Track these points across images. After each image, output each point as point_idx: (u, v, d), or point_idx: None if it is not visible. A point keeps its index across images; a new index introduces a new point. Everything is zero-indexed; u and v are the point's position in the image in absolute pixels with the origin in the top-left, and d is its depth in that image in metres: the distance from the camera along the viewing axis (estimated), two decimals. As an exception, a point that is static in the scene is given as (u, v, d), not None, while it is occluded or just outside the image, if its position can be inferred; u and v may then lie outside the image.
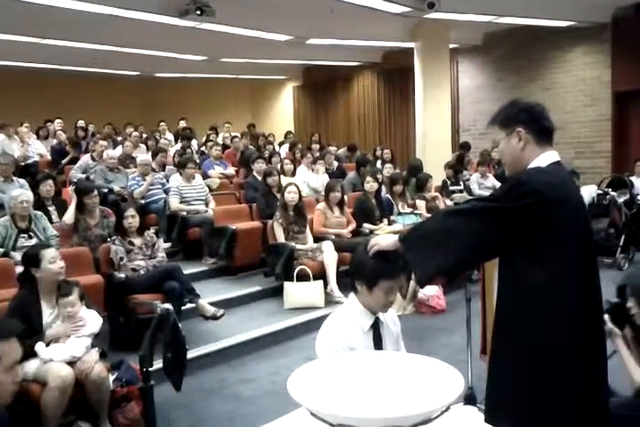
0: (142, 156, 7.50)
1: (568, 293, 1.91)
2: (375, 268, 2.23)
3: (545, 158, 2.02)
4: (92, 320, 3.55)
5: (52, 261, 3.57)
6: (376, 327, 2.42)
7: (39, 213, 5.28)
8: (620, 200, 7.48)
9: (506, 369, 1.97)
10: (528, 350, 1.93)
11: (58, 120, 10.98)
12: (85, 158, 8.04)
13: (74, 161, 8.34)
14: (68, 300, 3.49)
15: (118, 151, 8.59)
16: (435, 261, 2.00)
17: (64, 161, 8.71)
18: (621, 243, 7.26)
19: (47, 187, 5.88)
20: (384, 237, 2.24)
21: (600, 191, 7.70)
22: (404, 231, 2.20)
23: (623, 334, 2.47)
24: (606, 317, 2.43)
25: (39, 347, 3.34)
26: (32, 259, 3.60)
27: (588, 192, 7.63)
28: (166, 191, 7.16)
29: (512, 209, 1.90)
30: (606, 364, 2.02)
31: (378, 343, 2.39)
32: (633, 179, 8.10)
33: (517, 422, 1.75)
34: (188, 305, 4.93)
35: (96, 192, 5.63)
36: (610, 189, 7.70)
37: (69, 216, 5.49)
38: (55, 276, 3.57)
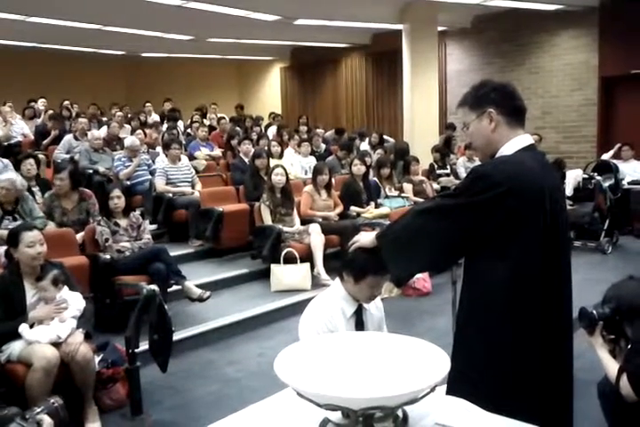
0: (130, 139, 7.40)
1: (527, 289, 1.88)
2: (365, 262, 2.24)
3: (515, 143, 1.96)
4: (75, 302, 3.52)
5: (31, 245, 3.49)
6: (359, 314, 2.44)
7: (27, 194, 5.18)
8: (605, 185, 7.52)
9: (466, 357, 1.96)
10: (489, 346, 1.92)
11: (42, 100, 10.82)
12: (68, 137, 7.94)
13: (58, 141, 8.23)
14: (41, 284, 3.46)
15: (103, 132, 8.50)
16: (406, 262, 2.00)
17: (45, 141, 8.59)
18: (605, 227, 7.32)
19: (27, 166, 5.79)
20: (365, 234, 2.21)
21: (585, 176, 7.74)
22: (380, 229, 2.18)
23: (612, 343, 2.49)
24: (601, 324, 2.43)
25: (23, 328, 3.32)
26: (12, 239, 3.56)
27: (574, 176, 7.68)
28: (152, 172, 7.11)
29: (473, 204, 1.86)
30: (571, 352, 2.03)
31: (360, 329, 2.41)
32: (618, 163, 8.15)
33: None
34: (175, 287, 4.92)
35: (65, 173, 5.26)
36: (595, 174, 7.74)
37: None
38: (32, 260, 3.50)
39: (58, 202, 5.29)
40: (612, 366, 2.41)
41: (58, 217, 5.23)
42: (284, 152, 8.41)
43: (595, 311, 2.43)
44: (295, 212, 6.19)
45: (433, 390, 1.34)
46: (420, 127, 9.65)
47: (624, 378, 2.33)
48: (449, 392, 1.74)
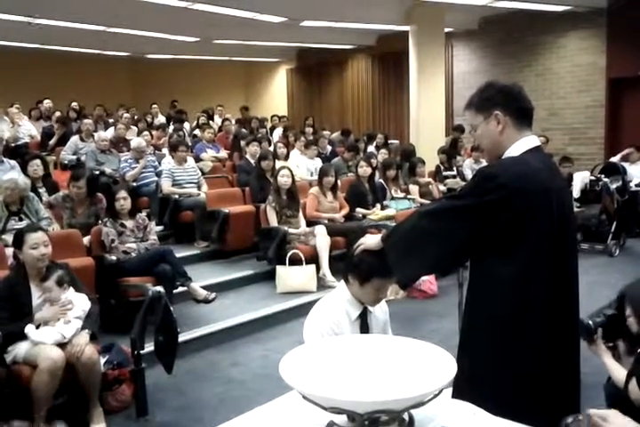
0: (137, 140, 7.42)
1: (534, 291, 1.88)
2: (371, 265, 2.23)
3: (521, 145, 1.96)
4: (80, 303, 3.52)
5: (35, 246, 3.49)
6: (364, 317, 2.43)
7: (32, 194, 5.20)
8: (613, 187, 7.48)
9: (474, 357, 1.96)
10: (495, 349, 1.92)
11: (47, 101, 10.85)
12: (74, 139, 7.98)
13: (64, 142, 8.26)
14: (45, 285, 3.46)
15: (110, 133, 8.52)
16: (412, 264, 1.99)
17: (51, 142, 8.62)
18: (613, 229, 7.28)
19: (34, 167, 5.82)
20: (370, 236, 2.22)
21: (593, 177, 7.70)
22: (386, 231, 2.18)
23: (612, 349, 2.46)
24: (599, 332, 2.41)
25: (29, 329, 3.32)
26: (17, 241, 3.57)
27: (581, 178, 7.65)
28: (158, 174, 7.13)
29: (479, 205, 1.86)
30: (578, 354, 2.02)
31: (365, 332, 2.40)
32: (626, 165, 8.10)
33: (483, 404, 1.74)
34: (180, 288, 4.92)
35: (83, 182, 5.34)
36: (602, 176, 7.70)
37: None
38: (36, 262, 3.51)
39: (70, 204, 5.32)
40: (619, 372, 2.39)
41: (66, 218, 5.26)
42: (290, 154, 8.41)
43: (590, 322, 2.41)
44: (301, 213, 6.19)
45: (439, 393, 1.33)
46: (425, 129, 9.62)
47: (633, 382, 2.30)
48: (455, 395, 1.73)
